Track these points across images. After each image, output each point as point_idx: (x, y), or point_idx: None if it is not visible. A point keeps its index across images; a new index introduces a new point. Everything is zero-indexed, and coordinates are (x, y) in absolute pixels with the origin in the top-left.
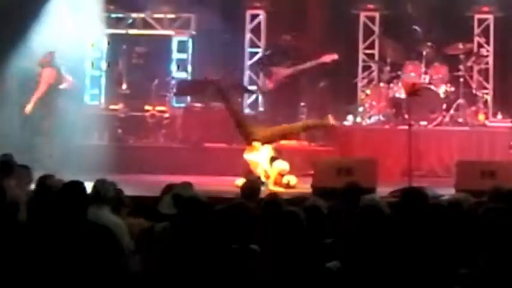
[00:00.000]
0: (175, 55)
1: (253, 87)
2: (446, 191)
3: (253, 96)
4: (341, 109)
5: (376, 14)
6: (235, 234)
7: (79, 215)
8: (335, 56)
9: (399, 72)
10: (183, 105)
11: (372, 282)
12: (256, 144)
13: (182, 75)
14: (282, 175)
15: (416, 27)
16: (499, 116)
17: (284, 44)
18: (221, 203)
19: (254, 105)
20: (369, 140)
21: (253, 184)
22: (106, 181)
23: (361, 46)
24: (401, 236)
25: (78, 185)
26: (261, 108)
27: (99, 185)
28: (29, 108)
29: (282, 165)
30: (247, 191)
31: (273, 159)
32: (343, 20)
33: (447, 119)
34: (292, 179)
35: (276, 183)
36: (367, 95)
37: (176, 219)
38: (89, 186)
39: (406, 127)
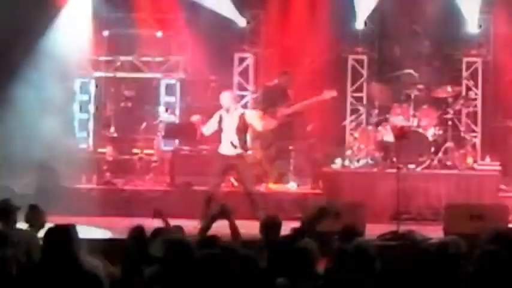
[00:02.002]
0: (164, 98)
1: None
2: (435, 235)
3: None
4: (329, 152)
5: (364, 57)
6: (220, 281)
7: (66, 260)
8: (334, 93)
9: (387, 115)
10: (171, 148)
11: None
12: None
13: (170, 118)
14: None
15: (417, 28)
16: (488, 159)
17: (280, 85)
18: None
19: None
20: (357, 183)
21: (272, 221)
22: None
23: (349, 89)
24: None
25: (62, 230)
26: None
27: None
28: None
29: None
30: (267, 228)
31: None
32: (331, 63)
33: (435, 162)
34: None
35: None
36: (355, 138)
37: (163, 262)
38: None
39: (395, 170)
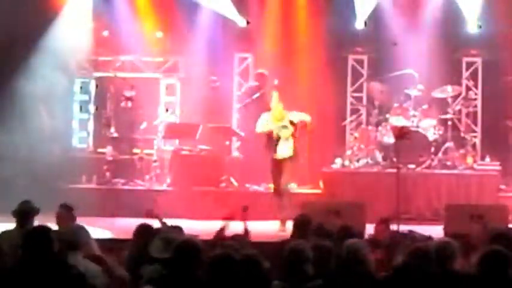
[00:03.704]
0: (164, 98)
1: (241, 132)
2: (435, 235)
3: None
4: (329, 152)
5: (365, 57)
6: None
7: (47, 260)
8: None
9: (387, 115)
10: (171, 148)
11: None
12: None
13: (170, 118)
14: None
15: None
16: (487, 159)
17: (258, 87)
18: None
19: (242, 148)
20: (357, 183)
21: (304, 220)
22: (81, 227)
23: (349, 89)
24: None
25: (44, 231)
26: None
27: (74, 230)
28: None
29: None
30: (299, 227)
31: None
32: (331, 63)
33: (435, 162)
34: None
35: None
36: (355, 138)
37: (170, 262)
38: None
39: (395, 170)
